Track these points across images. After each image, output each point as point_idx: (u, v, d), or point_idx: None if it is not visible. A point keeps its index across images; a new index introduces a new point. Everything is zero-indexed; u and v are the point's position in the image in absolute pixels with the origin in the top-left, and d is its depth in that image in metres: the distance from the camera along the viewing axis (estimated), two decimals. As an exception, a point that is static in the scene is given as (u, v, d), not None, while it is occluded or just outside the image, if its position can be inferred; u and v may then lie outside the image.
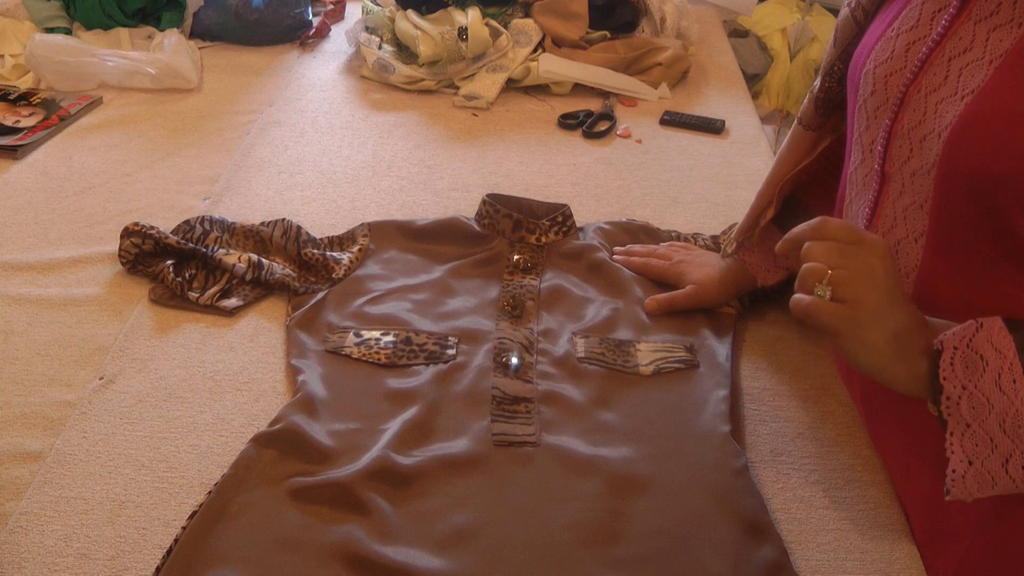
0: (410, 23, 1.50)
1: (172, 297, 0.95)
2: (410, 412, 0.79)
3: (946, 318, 0.64)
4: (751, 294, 0.96)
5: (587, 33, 1.55)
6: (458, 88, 1.47)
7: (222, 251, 0.98)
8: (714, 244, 1.07)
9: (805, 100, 0.83)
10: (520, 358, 0.85)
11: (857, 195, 0.73)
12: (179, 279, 0.95)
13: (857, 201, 0.73)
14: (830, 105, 0.81)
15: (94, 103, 1.38)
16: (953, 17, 0.62)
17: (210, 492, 0.71)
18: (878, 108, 0.68)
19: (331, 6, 1.79)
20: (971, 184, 0.59)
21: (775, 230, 0.91)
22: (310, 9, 1.70)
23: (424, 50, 1.45)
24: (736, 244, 0.92)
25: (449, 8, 1.54)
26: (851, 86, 0.74)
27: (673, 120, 1.41)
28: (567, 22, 1.53)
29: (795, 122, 0.85)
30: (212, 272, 0.98)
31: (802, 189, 0.89)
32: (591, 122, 1.39)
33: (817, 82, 0.81)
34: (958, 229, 0.62)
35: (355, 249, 1.01)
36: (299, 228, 1.02)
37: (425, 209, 1.15)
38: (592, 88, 1.49)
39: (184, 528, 0.68)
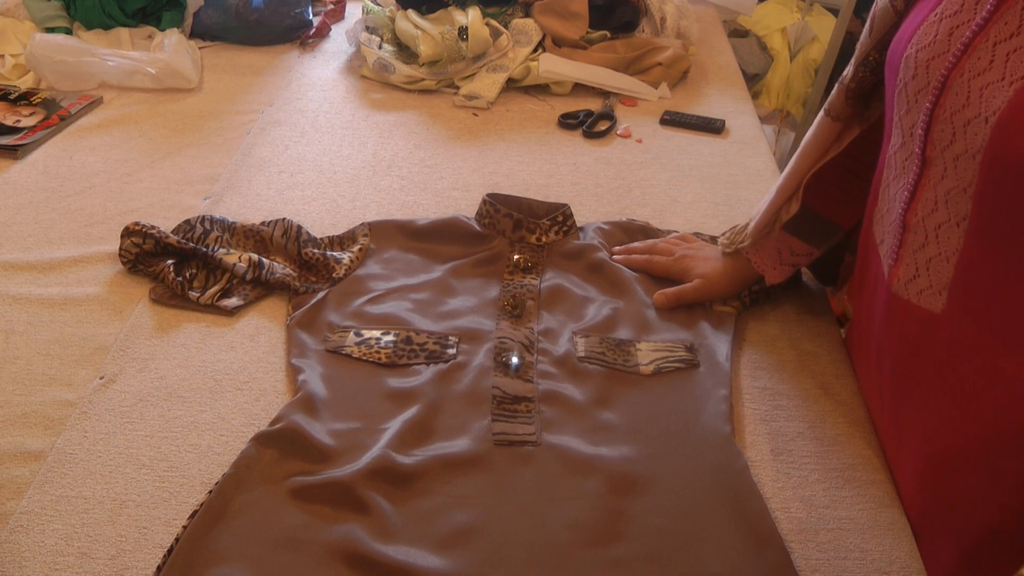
0: (410, 23, 1.50)
1: (172, 297, 0.95)
2: (411, 411, 0.79)
3: (984, 304, 0.64)
4: (751, 293, 0.96)
5: (587, 33, 1.55)
6: (458, 88, 1.47)
7: (222, 251, 0.99)
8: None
9: (833, 91, 0.83)
10: (520, 357, 0.85)
11: (895, 178, 0.73)
12: (180, 279, 0.95)
13: (895, 184, 0.73)
14: (861, 95, 0.81)
15: (94, 103, 1.38)
16: (999, 2, 0.62)
17: (211, 491, 0.71)
18: (919, 92, 0.68)
19: (331, 6, 1.79)
20: (1019, 170, 0.58)
21: (782, 231, 0.91)
22: (310, 9, 1.70)
23: (424, 50, 1.45)
24: (752, 240, 0.92)
25: (449, 8, 1.54)
26: (890, 71, 0.73)
27: (673, 120, 1.41)
28: (567, 22, 1.53)
29: (821, 113, 0.84)
30: (212, 272, 0.98)
31: (819, 195, 0.88)
32: (591, 122, 1.39)
33: (849, 71, 0.80)
34: (1003, 214, 0.61)
35: (355, 249, 1.01)
36: (299, 228, 1.02)
37: (425, 209, 1.15)
38: (592, 88, 1.49)
39: (185, 527, 0.68)
